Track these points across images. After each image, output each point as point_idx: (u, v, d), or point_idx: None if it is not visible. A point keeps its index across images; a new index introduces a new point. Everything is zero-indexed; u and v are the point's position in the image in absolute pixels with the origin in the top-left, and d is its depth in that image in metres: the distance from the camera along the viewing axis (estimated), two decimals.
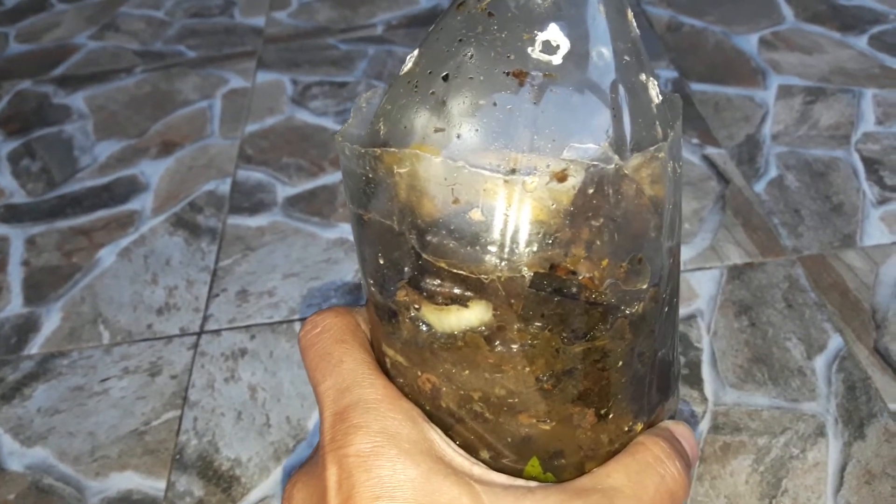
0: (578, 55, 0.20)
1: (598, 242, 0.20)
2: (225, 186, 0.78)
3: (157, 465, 0.54)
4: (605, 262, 0.20)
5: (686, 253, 0.66)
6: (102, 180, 0.81)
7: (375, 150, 0.21)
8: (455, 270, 0.20)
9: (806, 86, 0.86)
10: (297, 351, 0.61)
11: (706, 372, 0.57)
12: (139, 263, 0.70)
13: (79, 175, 0.82)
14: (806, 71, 0.88)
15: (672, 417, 0.26)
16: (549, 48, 0.20)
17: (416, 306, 0.21)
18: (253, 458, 0.54)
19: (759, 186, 0.73)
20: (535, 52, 0.20)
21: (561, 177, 0.19)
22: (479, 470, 0.22)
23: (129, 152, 0.84)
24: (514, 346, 0.21)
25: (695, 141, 0.79)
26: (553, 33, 0.20)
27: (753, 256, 0.66)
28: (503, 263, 0.20)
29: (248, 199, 0.76)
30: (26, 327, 0.65)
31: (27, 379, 0.61)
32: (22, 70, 1.00)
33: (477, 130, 0.20)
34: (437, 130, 0.20)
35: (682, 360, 0.58)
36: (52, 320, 0.66)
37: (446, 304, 0.21)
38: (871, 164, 0.74)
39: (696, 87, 0.87)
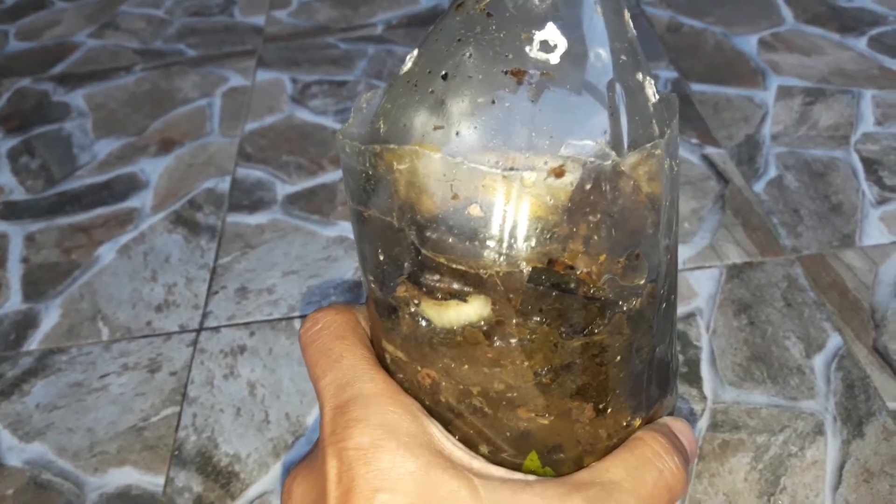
0: (576, 54, 0.20)
1: (596, 238, 0.20)
2: (224, 184, 0.78)
3: (156, 461, 0.54)
4: (602, 258, 0.21)
5: (686, 252, 0.66)
6: (102, 178, 0.81)
7: (375, 146, 0.21)
8: (454, 266, 0.20)
9: (805, 87, 0.86)
10: (297, 348, 0.61)
11: (705, 370, 0.57)
12: (138, 261, 0.71)
13: (78, 172, 0.82)
14: (805, 72, 0.88)
15: (671, 414, 0.26)
16: (546, 47, 0.20)
17: (416, 302, 0.22)
18: (252, 454, 0.54)
19: (759, 186, 0.73)
20: (533, 52, 0.20)
21: (559, 173, 0.20)
22: (478, 463, 0.22)
23: (128, 150, 0.84)
24: (513, 341, 0.21)
25: (694, 141, 0.79)
26: (551, 33, 0.20)
27: (753, 256, 0.66)
28: (502, 258, 0.20)
29: (247, 197, 0.77)
30: (25, 324, 0.65)
31: (26, 375, 0.61)
32: (22, 68, 1.00)
33: (476, 128, 0.20)
34: (436, 128, 0.20)
35: (682, 358, 0.58)
36: (51, 317, 0.66)
37: (445, 300, 0.21)
38: (871, 165, 0.75)
39: (695, 87, 0.87)
